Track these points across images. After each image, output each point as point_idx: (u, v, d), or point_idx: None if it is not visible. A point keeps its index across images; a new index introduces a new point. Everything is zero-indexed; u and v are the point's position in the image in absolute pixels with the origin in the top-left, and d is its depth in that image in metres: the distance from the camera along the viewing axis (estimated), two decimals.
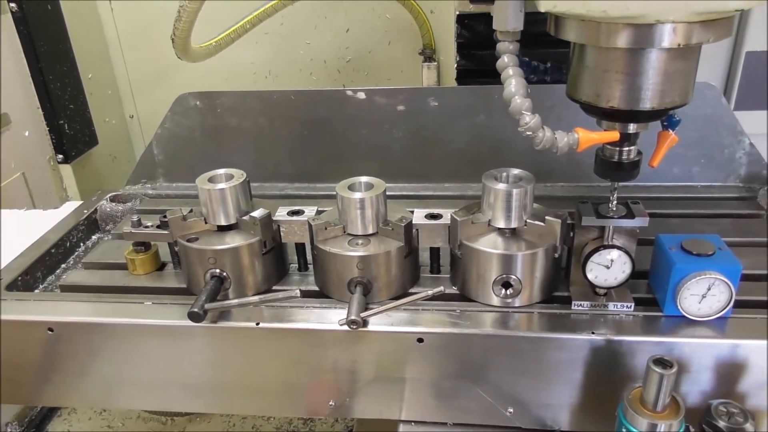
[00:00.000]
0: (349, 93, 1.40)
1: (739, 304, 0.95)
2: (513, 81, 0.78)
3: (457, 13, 1.39)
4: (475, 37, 1.40)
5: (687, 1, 0.65)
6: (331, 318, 0.97)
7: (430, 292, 0.93)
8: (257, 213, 1.02)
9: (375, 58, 1.99)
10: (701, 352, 0.90)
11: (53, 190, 1.81)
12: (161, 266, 1.16)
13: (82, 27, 1.90)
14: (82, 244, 1.35)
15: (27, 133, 1.73)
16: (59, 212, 1.43)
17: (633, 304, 0.96)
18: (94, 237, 1.38)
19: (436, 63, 1.88)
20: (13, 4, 1.57)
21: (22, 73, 1.68)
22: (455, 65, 1.44)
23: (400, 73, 1.99)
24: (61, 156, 1.79)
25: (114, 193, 1.47)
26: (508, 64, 0.79)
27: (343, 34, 1.96)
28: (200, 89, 1.46)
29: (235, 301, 0.97)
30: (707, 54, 1.39)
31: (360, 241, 1.00)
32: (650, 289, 1.00)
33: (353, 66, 2.01)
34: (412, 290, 1.05)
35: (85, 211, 1.39)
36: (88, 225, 1.38)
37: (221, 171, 1.06)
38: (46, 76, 1.70)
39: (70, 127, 1.80)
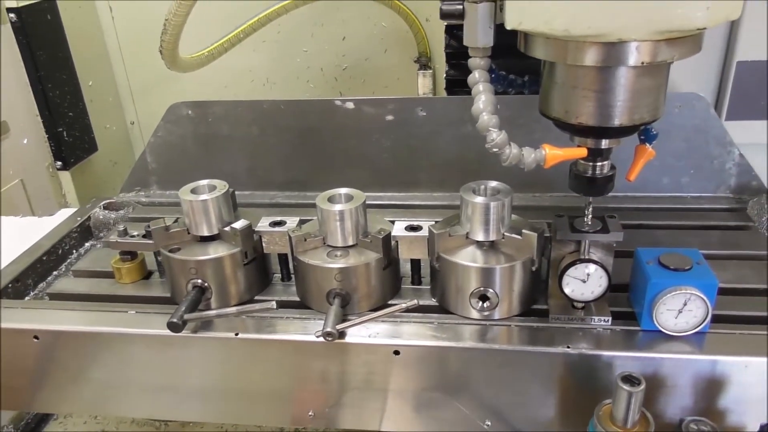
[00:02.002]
0: (338, 103, 1.41)
1: (719, 319, 0.94)
2: (482, 97, 0.79)
3: (446, 23, 1.40)
4: (464, 47, 1.39)
5: (648, 20, 0.65)
6: (310, 329, 0.97)
7: (404, 305, 0.93)
8: (238, 224, 1.04)
9: (371, 65, 2.00)
10: (678, 368, 0.89)
11: (52, 197, 1.84)
12: (148, 275, 1.18)
13: (82, 35, 1.93)
14: (74, 252, 1.36)
15: (26, 141, 1.77)
16: (54, 219, 1.45)
17: (611, 318, 0.95)
18: (87, 244, 1.40)
19: (431, 71, 1.89)
20: (12, 15, 1.60)
21: (21, 81, 1.71)
22: (444, 75, 1.44)
23: (397, 81, 1.99)
24: (60, 163, 1.82)
25: (107, 201, 1.49)
26: (478, 80, 0.79)
27: (340, 42, 1.97)
28: (200, 97, 1.48)
29: (213, 312, 0.98)
30: (697, 64, 1.39)
31: (339, 253, 1.01)
32: (630, 303, 1.00)
33: (350, 73, 2.02)
34: (392, 301, 1.05)
35: (79, 219, 1.41)
36: (81, 232, 1.40)
37: (204, 182, 1.07)
38: (45, 84, 1.73)
39: (69, 134, 1.83)
